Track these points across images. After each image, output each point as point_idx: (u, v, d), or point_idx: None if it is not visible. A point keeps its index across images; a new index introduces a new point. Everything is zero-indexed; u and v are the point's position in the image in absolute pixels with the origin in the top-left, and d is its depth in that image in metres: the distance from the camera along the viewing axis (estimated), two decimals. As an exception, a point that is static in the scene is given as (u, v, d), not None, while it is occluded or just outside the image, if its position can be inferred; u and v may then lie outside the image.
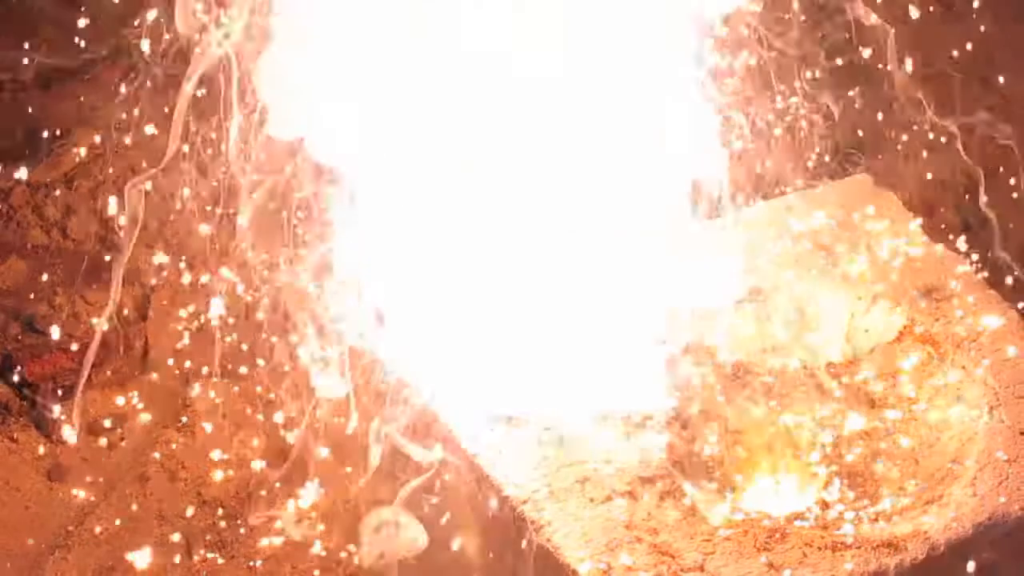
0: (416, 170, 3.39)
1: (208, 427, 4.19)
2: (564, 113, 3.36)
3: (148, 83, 3.72)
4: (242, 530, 3.98)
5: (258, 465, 4.08)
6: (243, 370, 4.26)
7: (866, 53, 4.11)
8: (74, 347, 4.29)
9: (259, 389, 4.20)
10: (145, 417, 4.22)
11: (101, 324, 4.16)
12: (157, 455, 4.12)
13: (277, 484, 3.90)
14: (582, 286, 3.48)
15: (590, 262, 3.47)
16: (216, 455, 4.13)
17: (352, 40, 3.24)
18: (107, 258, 4.42)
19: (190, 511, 4.01)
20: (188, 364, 4.33)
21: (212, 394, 4.25)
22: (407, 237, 3.45)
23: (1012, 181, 4.49)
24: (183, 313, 4.36)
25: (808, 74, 3.98)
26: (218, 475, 4.09)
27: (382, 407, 3.44)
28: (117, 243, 4.44)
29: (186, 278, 4.39)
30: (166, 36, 3.34)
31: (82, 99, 4.55)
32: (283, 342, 3.66)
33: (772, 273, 3.84)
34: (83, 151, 4.59)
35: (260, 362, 4.19)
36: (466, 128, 3.35)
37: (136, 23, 3.83)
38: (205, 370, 4.27)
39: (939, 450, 3.54)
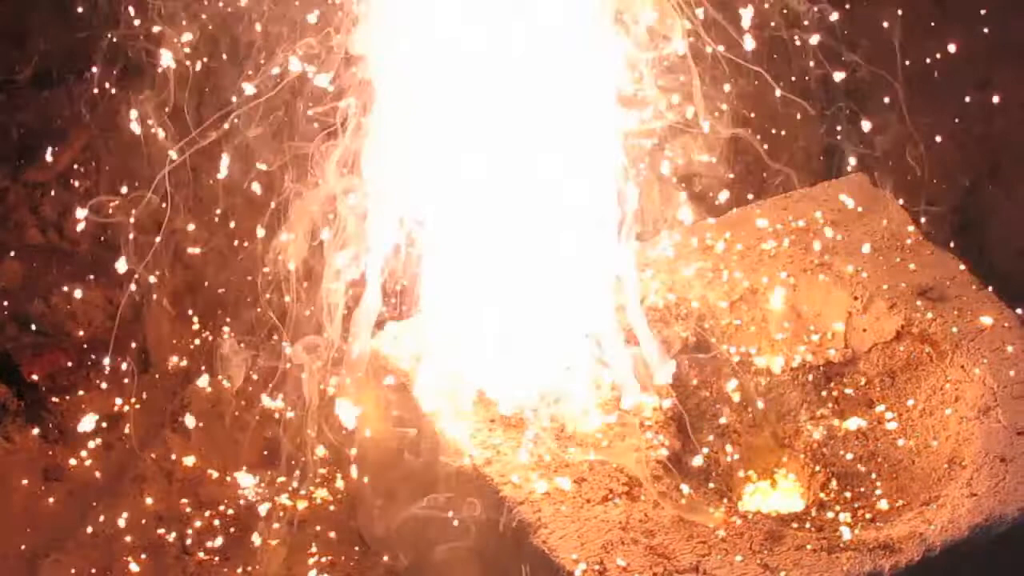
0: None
1: (206, 427, 4.19)
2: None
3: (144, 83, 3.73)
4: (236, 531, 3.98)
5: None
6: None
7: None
8: (72, 347, 4.29)
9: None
10: (143, 417, 4.21)
11: (100, 324, 4.17)
12: (154, 455, 4.11)
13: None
14: (572, 290, 3.49)
15: (580, 265, 3.48)
16: (214, 455, 4.13)
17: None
18: (104, 258, 4.41)
19: (187, 512, 4.00)
20: (187, 364, 4.33)
21: (210, 394, 4.25)
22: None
23: (1008, 180, 4.49)
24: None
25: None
26: (215, 475, 4.08)
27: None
28: (115, 243, 4.43)
29: (185, 278, 4.40)
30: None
31: (78, 100, 4.55)
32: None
33: (769, 273, 3.84)
34: (78, 151, 4.59)
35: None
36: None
37: (133, 24, 3.84)
38: (204, 369, 4.27)
39: (936, 450, 3.53)
